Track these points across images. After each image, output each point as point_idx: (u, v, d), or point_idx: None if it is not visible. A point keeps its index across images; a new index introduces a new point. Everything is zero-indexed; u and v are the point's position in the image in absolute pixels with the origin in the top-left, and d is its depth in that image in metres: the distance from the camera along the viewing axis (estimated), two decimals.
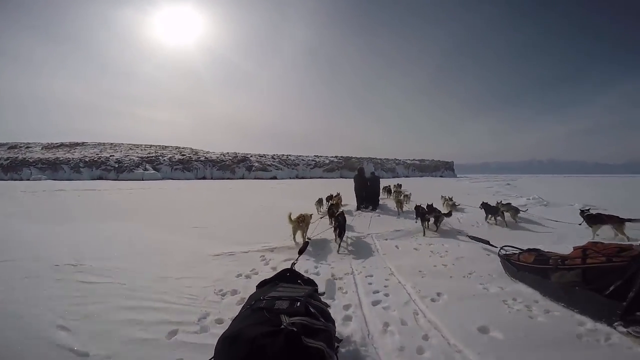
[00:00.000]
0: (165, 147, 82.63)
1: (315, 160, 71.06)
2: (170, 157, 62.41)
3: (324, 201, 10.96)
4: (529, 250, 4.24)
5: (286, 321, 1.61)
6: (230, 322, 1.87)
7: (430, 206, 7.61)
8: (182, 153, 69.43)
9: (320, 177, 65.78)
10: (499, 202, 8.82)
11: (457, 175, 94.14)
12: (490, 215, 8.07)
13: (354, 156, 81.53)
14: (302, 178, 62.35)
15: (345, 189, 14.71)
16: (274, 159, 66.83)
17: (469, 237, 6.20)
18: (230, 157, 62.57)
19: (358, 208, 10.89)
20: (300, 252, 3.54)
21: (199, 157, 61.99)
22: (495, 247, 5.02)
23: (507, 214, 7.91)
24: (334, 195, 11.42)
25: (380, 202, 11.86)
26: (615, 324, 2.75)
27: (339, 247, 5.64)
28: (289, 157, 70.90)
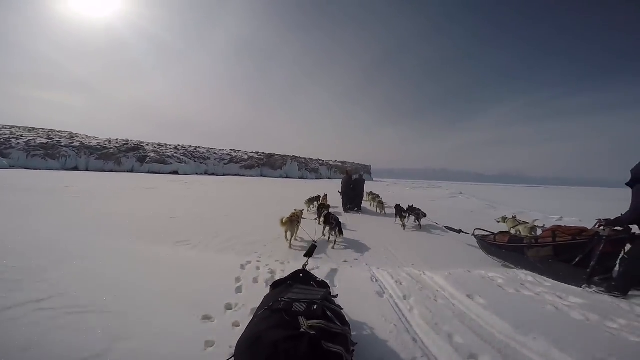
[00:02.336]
0: (33, 129, 62.96)
1: (231, 155, 62.69)
2: (28, 141, 46.44)
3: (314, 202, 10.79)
4: (501, 232, 5.15)
5: (305, 324, 1.65)
6: (248, 323, 1.91)
7: (411, 207, 8.24)
8: (50, 136, 52.95)
9: (236, 175, 58.36)
10: None
11: (374, 179, 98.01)
12: None
13: (277, 153, 76.44)
14: (213, 174, 53.92)
15: (276, 190, 13.60)
16: (178, 149, 55.83)
17: (445, 227, 7.03)
18: (117, 145, 49.69)
19: (345, 209, 10.99)
20: (309, 255, 3.60)
21: (72, 142, 47.54)
22: (468, 233, 5.98)
23: None
24: (321, 196, 11.40)
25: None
26: (583, 286, 3.55)
27: (335, 243, 5.65)
28: (198, 149, 60.52)
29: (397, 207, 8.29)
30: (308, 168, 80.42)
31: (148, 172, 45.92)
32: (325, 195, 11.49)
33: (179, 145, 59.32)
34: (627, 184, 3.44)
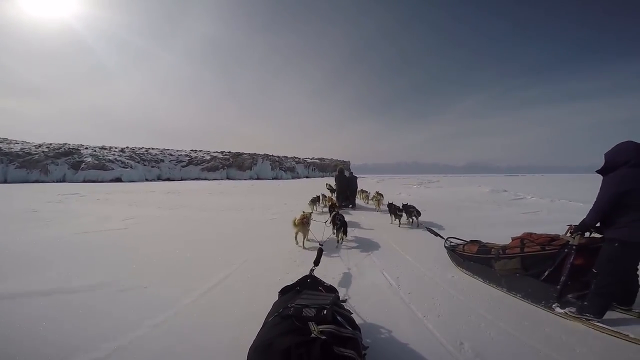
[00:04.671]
0: None
1: (190, 156, 55.55)
2: None
3: (320, 200, 11.02)
4: (472, 241, 4.45)
5: (315, 330, 1.63)
6: (259, 330, 1.90)
7: (405, 205, 8.18)
8: None
9: (196, 178, 51.61)
10: None
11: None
12: None
13: (245, 152, 69.98)
14: (168, 180, 47.03)
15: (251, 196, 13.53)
16: (124, 152, 48.07)
17: (427, 229, 6.66)
18: (46, 150, 41.80)
19: (340, 206, 10.90)
20: (317, 262, 3.41)
21: None
22: (444, 238, 5.30)
23: None
24: (326, 196, 11.59)
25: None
26: (553, 305, 2.95)
27: (341, 242, 5.82)
28: (150, 151, 52.73)
29: (390, 205, 8.40)
30: (283, 167, 74.43)
31: (84, 181, 38.72)
32: (332, 196, 11.47)
33: (126, 147, 51.37)
34: (599, 172, 2.86)
